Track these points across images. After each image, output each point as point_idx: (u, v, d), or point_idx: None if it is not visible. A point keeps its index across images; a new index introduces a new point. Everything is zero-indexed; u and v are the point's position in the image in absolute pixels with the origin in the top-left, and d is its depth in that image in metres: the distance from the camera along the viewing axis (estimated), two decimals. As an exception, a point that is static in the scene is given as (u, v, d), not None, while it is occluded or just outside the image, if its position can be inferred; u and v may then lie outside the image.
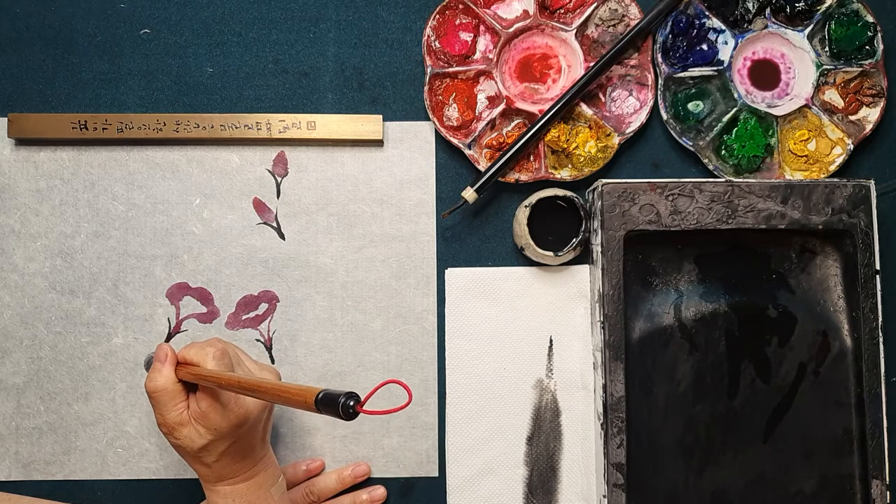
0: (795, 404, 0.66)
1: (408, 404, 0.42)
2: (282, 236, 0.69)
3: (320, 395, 0.42)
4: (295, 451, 0.67)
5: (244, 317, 0.68)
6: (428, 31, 0.68)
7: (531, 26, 0.69)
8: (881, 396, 0.63)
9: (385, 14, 0.70)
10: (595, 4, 0.68)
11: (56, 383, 0.67)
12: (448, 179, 0.69)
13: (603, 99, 0.69)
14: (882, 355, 0.64)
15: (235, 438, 0.55)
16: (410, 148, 0.69)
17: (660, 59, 0.68)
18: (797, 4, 0.69)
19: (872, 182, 0.64)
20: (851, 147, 0.68)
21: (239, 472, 0.56)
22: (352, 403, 0.41)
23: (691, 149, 0.68)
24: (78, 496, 0.67)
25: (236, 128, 0.68)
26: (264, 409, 0.57)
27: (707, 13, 0.69)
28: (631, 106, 0.69)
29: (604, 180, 0.64)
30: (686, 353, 0.67)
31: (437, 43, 0.69)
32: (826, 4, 0.69)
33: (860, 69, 0.68)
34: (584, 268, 0.68)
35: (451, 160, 0.70)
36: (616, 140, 0.68)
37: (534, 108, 0.68)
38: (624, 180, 0.64)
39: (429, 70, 0.68)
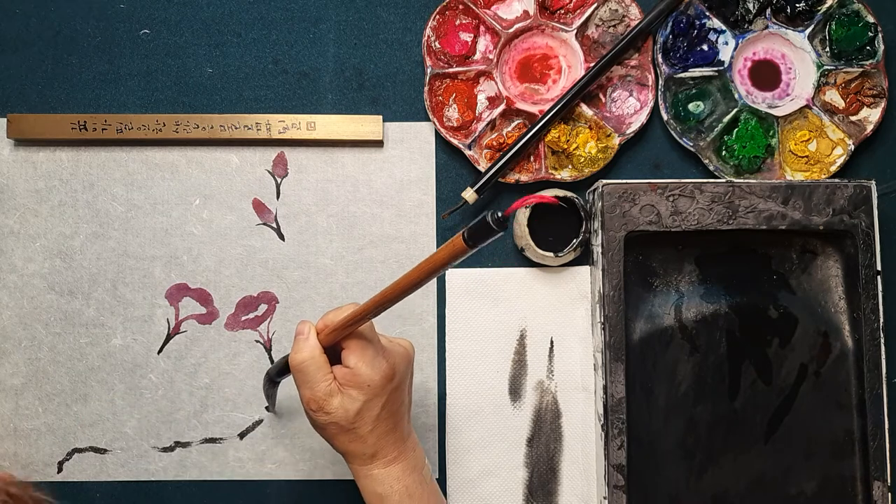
0: (796, 405, 0.66)
1: (550, 201, 0.44)
2: (281, 237, 0.68)
3: (466, 234, 0.43)
4: (294, 452, 0.67)
5: (244, 318, 0.68)
6: (428, 31, 0.68)
7: (531, 27, 0.69)
8: (883, 397, 0.63)
9: (385, 14, 0.70)
10: (595, 5, 0.68)
11: (55, 384, 0.67)
12: (448, 180, 0.69)
13: (603, 99, 0.69)
14: (883, 356, 0.63)
15: (386, 397, 0.54)
16: (410, 149, 0.69)
17: (660, 60, 0.68)
18: (798, 5, 0.69)
19: (873, 182, 0.64)
20: (852, 147, 0.68)
21: (391, 448, 0.55)
22: (499, 215, 0.42)
23: (692, 149, 0.68)
24: (77, 498, 0.66)
25: (236, 128, 0.68)
26: (409, 363, 0.56)
27: (707, 14, 0.69)
28: (631, 106, 0.69)
29: (604, 181, 0.64)
30: (687, 354, 0.66)
31: (437, 43, 0.69)
32: (827, 5, 0.69)
33: (861, 69, 0.68)
34: (585, 269, 0.68)
35: (451, 161, 0.69)
36: (616, 140, 0.68)
37: (534, 109, 0.68)
38: (624, 181, 0.64)
39: (429, 70, 0.68)
